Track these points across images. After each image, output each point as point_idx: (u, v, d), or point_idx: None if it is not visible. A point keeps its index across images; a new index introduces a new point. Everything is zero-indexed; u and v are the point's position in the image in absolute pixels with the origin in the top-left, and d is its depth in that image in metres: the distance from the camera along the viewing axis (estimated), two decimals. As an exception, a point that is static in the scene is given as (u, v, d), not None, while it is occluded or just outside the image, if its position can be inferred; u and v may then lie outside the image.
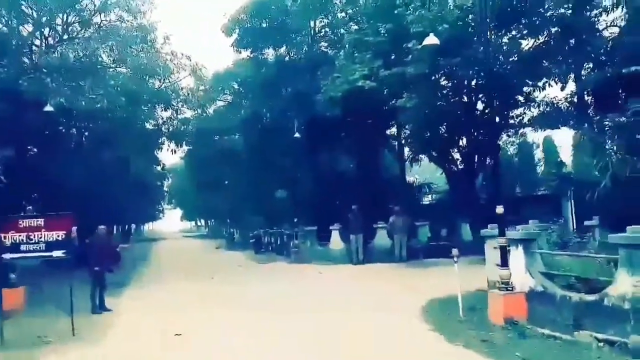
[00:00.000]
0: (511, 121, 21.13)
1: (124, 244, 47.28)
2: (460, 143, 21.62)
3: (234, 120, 31.95)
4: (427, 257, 18.31)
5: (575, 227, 18.34)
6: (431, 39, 11.89)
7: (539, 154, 31.78)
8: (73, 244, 9.85)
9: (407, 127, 22.15)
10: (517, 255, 8.54)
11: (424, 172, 34.41)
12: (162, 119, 25.63)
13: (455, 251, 8.81)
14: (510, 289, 7.78)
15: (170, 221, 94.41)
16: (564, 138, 28.23)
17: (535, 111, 20.12)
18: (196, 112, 35.82)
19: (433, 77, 17.84)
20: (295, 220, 22.67)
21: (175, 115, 25.60)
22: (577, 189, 18.92)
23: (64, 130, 22.81)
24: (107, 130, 22.55)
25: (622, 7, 16.16)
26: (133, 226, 72.79)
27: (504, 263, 7.92)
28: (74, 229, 9.90)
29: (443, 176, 28.88)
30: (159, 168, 51.15)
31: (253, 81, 28.29)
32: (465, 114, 20.06)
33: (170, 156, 32.12)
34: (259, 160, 30.82)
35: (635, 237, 6.26)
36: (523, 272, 8.46)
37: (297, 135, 22.69)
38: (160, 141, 27.97)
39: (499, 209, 8.07)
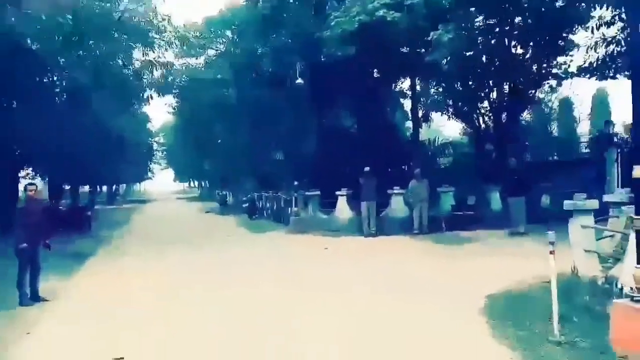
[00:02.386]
0: (554, 70, 17.70)
1: (110, 205, 44.61)
2: (492, 95, 18.31)
3: (227, 71, 28.42)
4: (450, 230, 15.73)
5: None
6: None
7: (578, 110, 28.38)
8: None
9: (432, 73, 18.61)
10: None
11: (431, 133, 31.30)
12: (141, 62, 21.92)
13: (552, 235, 5.66)
14: (655, 300, 4.71)
15: (164, 182, 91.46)
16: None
17: (590, 56, 16.56)
18: (184, 60, 32.48)
19: (471, 9, 14.34)
20: (295, 183, 19.47)
21: (157, 59, 21.89)
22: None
23: (38, 79, 19.33)
24: (84, 80, 19.07)
25: None
26: (123, 186, 69.84)
27: (644, 258, 4.82)
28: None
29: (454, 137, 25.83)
30: (148, 125, 47.97)
31: (248, 23, 24.50)
32: (502, 59, 16.72)
33: (162, 114, 28.85)
34: (255, 115, 27.50)
35: None
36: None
37: (299, 81, 19.17)
38: (143, 93, 24.62)
39: (638, 171, 4.92)
